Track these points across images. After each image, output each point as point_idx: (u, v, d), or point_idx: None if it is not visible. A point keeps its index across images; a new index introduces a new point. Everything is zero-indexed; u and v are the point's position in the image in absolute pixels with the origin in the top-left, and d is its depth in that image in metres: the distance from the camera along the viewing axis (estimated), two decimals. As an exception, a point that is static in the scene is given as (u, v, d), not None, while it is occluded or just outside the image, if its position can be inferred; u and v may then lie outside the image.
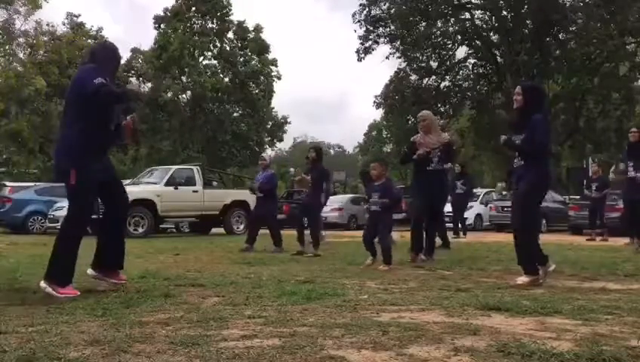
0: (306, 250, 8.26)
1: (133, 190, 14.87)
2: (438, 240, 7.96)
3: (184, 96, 39.17)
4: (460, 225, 13.59)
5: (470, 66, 31.67)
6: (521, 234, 4.91)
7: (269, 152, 43.05)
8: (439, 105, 31.87)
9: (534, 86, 5.49)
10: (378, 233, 6.40)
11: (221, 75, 38.70)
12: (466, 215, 14.92)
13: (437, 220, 7.44)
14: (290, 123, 42.66)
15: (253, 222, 9.81)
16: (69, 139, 4.17)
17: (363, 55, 30.40)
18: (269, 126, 41.17)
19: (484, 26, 30.01)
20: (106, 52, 4.45)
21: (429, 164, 6.84)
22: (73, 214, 4.19)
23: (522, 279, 4.73)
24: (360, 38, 30.15)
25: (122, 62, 37.00)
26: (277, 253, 8.62)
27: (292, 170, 41.45)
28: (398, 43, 30.21)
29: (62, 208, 16.26)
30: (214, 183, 17.50)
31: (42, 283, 4.03)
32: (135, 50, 39.75)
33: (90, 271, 4.44)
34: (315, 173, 8.69)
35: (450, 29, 30.31)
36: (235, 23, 39.20)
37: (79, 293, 4.03)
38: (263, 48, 39.09)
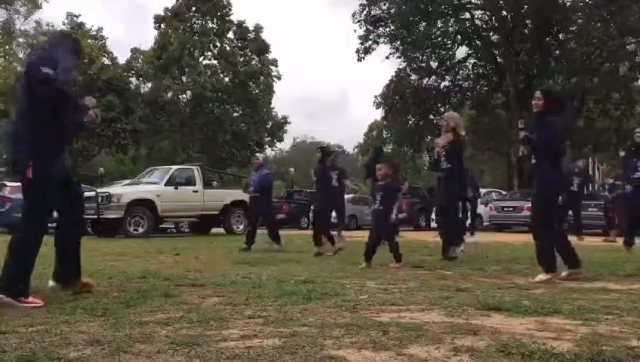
0: (323, 250, 8.19)
1: (133, 190, 14.91)
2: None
3: (184, 96, 39.15)
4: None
5: (470, 66, 31.65)
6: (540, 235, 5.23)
7: (268, 152, 43.04)
8: (439, 105, 31.86)
9: (553, 91, 5.82)
10: (382, 232, 6.45)
11: (221, 75, 38.69)
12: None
13: (447, 218, 7.37)
14: (290, 123, 42.70)
15: (251, 222, 9.85)
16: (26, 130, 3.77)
17: (363, 55, 30.41)
18: (269, 126, 41.17)
19: (484, 26, 30.00)
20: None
21: (440, 164, 6.89)
22: (31, 214, 3.75)
23: (540, 277, 4.97)
24: (360, 37, 30.18)
25: (122, 62, 36.41)
26: (278, 250, 8.71)
27: (292, 169, 41.46)
28: (398, 43, 30.19)
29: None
30: (214, 183, 17.49)
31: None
32: (135, 50, 39.74)
33: (51, 282, 4.12)
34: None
35: (450, 29, 30.28)
36: (235, 22, 39.22)
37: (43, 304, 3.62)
38: (263, 48, 39.11)
